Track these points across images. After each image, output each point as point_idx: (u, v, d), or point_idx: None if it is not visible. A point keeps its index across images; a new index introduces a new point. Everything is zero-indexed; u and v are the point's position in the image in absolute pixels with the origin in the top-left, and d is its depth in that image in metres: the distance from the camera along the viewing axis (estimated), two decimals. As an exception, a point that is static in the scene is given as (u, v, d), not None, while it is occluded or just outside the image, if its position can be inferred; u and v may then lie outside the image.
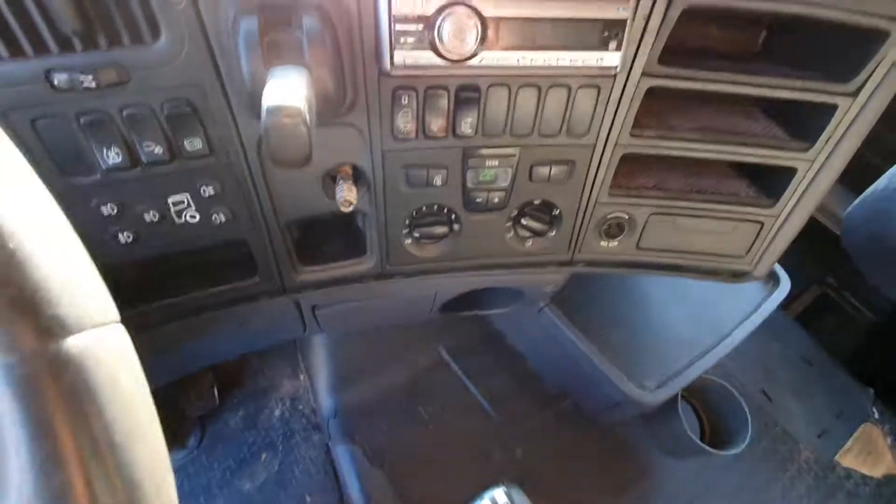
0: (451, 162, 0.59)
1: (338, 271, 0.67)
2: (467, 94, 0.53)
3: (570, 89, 0.54)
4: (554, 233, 0.69)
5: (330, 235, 0.69)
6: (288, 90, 0.34)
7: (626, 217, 0.70)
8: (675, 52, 0.56)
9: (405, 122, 0.54)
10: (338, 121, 0.52)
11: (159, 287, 0.61)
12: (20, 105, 0.43)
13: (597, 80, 0.54)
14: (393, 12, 0.45)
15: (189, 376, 1.12)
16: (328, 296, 0.73)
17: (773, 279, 1.06)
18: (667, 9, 0.50)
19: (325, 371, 1.14)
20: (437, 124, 0.54)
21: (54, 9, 0.39)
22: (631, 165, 0.69)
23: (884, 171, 1.07)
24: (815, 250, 1.57)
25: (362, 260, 0.67)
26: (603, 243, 0.72)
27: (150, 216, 0.53)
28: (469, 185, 0.61)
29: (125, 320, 0.60)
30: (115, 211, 0.51)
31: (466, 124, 0.55)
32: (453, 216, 0.65)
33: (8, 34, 0.39)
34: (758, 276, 0.77)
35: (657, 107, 0.65)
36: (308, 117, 0.34)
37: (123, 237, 0.53)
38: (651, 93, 0.59)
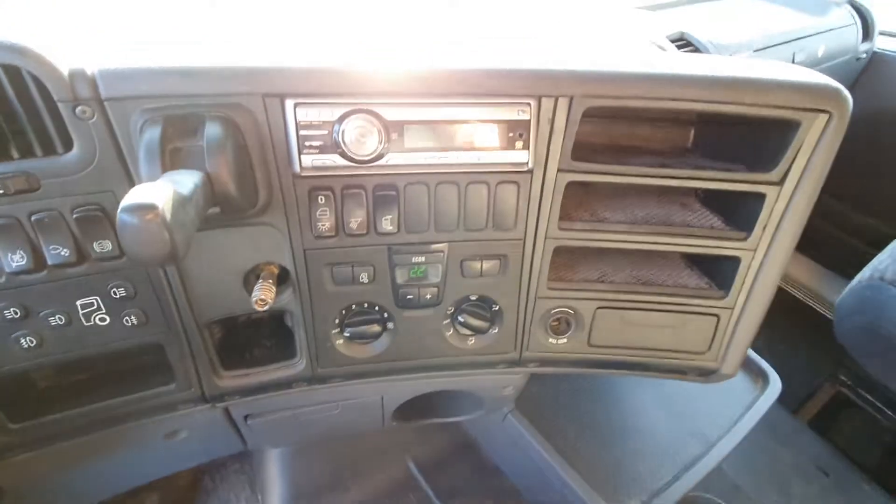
0: (376, 259, 0.58)
1: (265, 376, 0.64)
2: (384, 193, 0.53)
3: (488, 185, 0.55)
4: (496, 330, 0.66)
5: (259, 338, 0.66)
6: (149, 189, 0.35)
7: (572, 312, 0.66)
8: (605, 150, 0.58)
9: (324, 221, 0.54)
10: (254, 221, 0.52)
11: (68, 395, 0.58)
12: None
13: (514, 175, 0.55)
14: (298, 119, 0.48)
15: (129, 498, 1.02)
16: (259, 404, 0.68)
17: (762, 378, 0.98)
18: (569, 110, 0.52)
19: (279, 489, 1.03)
20: (356, 222, 0.55)
21: None
22: (571, 258, 0.68)
23: (870, 259, 1.05)
24: (822, 344, 1.48)
25: (291, 363, 0.64)
26: (552, 340, 0.68)
27: (56, 320, 0.51)
28: (399, 281, 0.60)
29: (28, 431, 0.56)
30: (19, 315, 0.50)
31: (387, 221, 0.55)
32: (386, 314, 0.62)
33: None
34: (727, 373, 0.71)
35: (589, 199, 0.66)
36: (169, 217, 0.34)
37: (26, 342, 0.51)
38: (581, 186, 0.60)
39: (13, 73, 0.41)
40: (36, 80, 0.42)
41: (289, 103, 0.48)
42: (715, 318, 0.67)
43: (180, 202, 0.36)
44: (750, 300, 0.65)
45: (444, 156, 0.52)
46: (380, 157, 0.50)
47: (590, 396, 0.91)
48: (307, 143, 0.49)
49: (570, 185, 0.57)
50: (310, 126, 0.48)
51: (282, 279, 0.58)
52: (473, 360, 0.68)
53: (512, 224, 0.58)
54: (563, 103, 0.52)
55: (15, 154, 0.44)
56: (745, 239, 0.61)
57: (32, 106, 0.43)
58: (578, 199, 0.65)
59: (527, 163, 0.54)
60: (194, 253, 0.54)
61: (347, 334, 0.63)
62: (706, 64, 0.55)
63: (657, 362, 0.70)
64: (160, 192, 0.35)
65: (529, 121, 0.52)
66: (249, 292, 0.57)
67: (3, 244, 0.46)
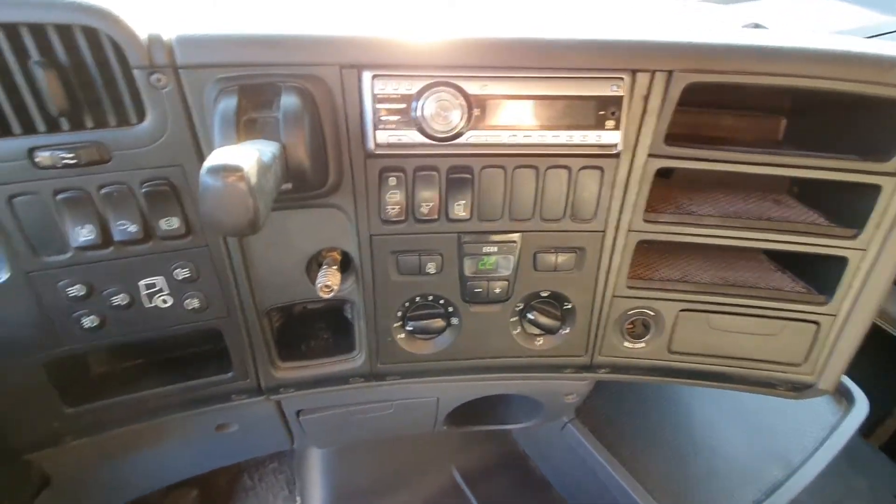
0: (445, 248, 0.54)
1: (322, 369, 0.60)
2: (459, 175, 0.50)
3: (570, 171, 0.51)
4: (567, 330, 0.61)
5: (315, 329, 0.64)
6: (234, 151, 0.32)
7: (652, 314, 0.61)
8: (689, 140, 0.53)
9: (393, 205, 0.51)
10: (321, 202, 0.50)
11: (123, 381, 0.56)
12: (0, 181, 0.42)
13: (599, 160, 0.51)
14: (375, 92, 0.45)
15: (171, 492, 1.01)
16: (313, 399, 0.65)
17: (845, 397, 0.89)
18: (666, 87, 0.47)
19: (321, 491, 1.00)
20: (427, 206, 0.51)
21: (45, 91, 0.40)
22: (652, 254, 0.63)
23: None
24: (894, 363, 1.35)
25: (350, 357, 0.60)
26: (627, 344, 0.63)
27: (119, 299, 0.50)
28: (467, 273, 0.56)
29: (81, 416, 0.54)
30: (83, 293, 0.48)
31: (460, 207, 0.51)
32: (451, 308, 0.58)
33: (2, 118, 0.41)
34: (824, 388, 0.63)
35: (674, 192, 0.60)
36: (254, 181, 0.31)
37: (88, 321, 0.50)
38: (664, 175, 0.55)
39: (91, 36, 0.40)
40: (114, 44, 0.40)
41: (366, 75, 0.45)
42: (814, 327, 0.60)
43: (263, 168, 0.34)
44: (857, 306, 0.58)
45: (528, 135, 0.48)
46: (459, 134, 0.47)
47: (657, 407, 0.85)
48: (384, 118, 0.46)
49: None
50: (387, 99, 0.45)
51: (344, 267, 0.55)
52: (540, 362, 0.63)
53: (592, 214, 0.54)
54: (660, 79, 0.47)
55: (89, 123, 0.43)
56: (854, 237, 0.55)
57: (108, 72, 0.41)
58: (660, 192, 0.59)
59: (616, 144, 0.49)
60: (259, 235, 0.51)
61: (410, 328, 0.59)
62: (816, 39, 0.50)
63: (744, 373, 0.63)
64: (245, 155, 0.32)
65: (622, 97, 0.47)
66: (312, 279, 0.55)
67: (72, 217, 0.45)
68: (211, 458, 0.77)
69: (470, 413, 0.79)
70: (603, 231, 0.55)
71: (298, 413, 0.68)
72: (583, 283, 0.58)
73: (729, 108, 0.64)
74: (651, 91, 0.48)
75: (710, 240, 0.56)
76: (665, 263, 0.63)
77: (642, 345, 0.63)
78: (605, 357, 0.63)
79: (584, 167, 0.51)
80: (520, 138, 0.47)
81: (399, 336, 0.60)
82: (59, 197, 0.44)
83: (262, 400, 0.61)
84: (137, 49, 0.40)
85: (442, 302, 0.58)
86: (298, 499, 1.10)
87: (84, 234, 0.45)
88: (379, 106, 0.45)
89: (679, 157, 0.51)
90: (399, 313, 0.58)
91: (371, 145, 0.47)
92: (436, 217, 0.52)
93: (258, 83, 0.43)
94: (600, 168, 0.51)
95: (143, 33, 0.41)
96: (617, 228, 0.55)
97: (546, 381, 0.68)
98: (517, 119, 0.47)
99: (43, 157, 0.42)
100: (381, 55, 0.44)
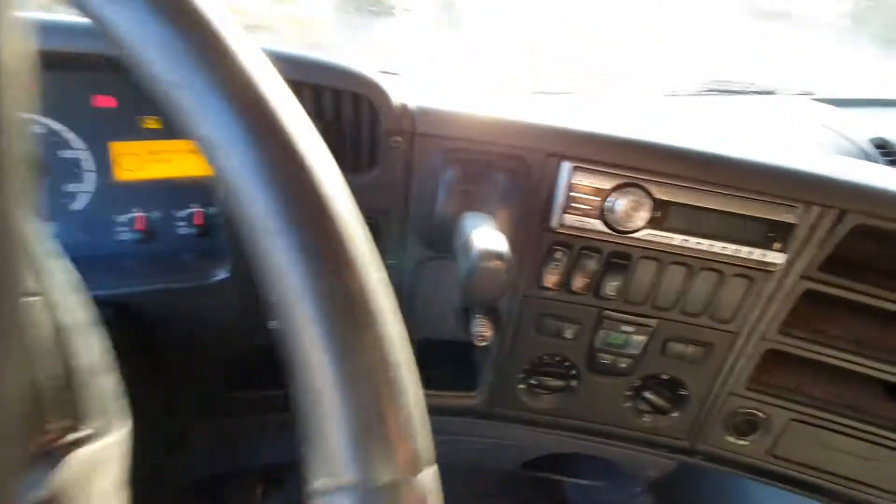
0: (585, 319, 0.59)
1: (443, 400, 0.66)
2: (618, 260, 0.55)
3: (721, 275, 0.55)
4: (677, 413, 0.64)
5: (440, 362, 0.69)
6: (495, 238, 0.38)
7: (762, 416, 0.63)
8: (834, 260, 0.56)
9: (553, 275, 0.56)
10: (491, 261, 0.55)
11: (271, 376, 0.64)
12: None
13: (752, 271, 0.54)
14: (573, 182, 0.50)
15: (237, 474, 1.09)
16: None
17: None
18: (836, 223, 0.51)
19: None
20: (581, 282, 0.56)
21: None
22: (769, 362, 0.65)
23: None
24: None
25: (472, 394, 0.66)
26: (730, 438, 0.65)
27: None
28: (597, 344, 0.60)
29: (237, 401, 0.61)
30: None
31: (611, 287, 0.56)
32: (573, 372, 0.63)
33: None
34: (922, 527, 0.64)
35: (805, 308, 0.63)
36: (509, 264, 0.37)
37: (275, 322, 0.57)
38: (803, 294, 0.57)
39: (356, 99, 0.47)
40: (370, 108, 0.48)
41: (566, 165, 0.50)
42: (926, 464, 0.61)
43: (504, 248, 0.39)
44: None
45: (699, 242, 0.52)
46: (637, 230, 0.51)
47: (732, 497, 0.86)
48: (574, 205, 0.51)
49: None
50: (582, 190, 0.50)
51: (487, 315, 0.61)
52: (641, 436, 0.67)
53: (731, 316, 0.57)
54: (832, 214, 0.51)
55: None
56: None
57: (358, 130, 0.49)
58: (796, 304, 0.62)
59: (778, 265, 0.53)
60: (423, 275, 0.58)
61: (532, 381, 0.64)
62: None
63: (845, 492, 0.65)
64: (502, 241, 0.38)
65: (794, 225, 0.51)
66: (460, 322, 0.60)
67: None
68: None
69: (548, 461, 0.83)
70: (736, 333, 0.58)
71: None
72: (703, 376, 0.61)
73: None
74: (820, 223, 0.51)
75: (841, 363, 0.58)
76: (780, 370, 0.65)
77: (745, 442, 0.65)
78: (705, 446, 0.66)
79: (737, 274, 0.55)
80: (691, 243, 0.52)
81: (520, 386, 0.64)
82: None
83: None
84: (390, 115, 0.48)
85: (567, 364, 0.63)
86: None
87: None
88: (573, 194, 0.51)
89: (833, 284, 0.54)
90: (526, 367, 0.63)
91: (554, 224, 0.52)
92: (586, 292, 0.57)
93: (475, 158, 0.49)
94: (751, 278, 0.55)
95: (396, 102, 0.48)
96: (750, 334, 0.58)
97: (640, 454, 0.71)
98: (692, 225, 0.51)
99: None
100: (582, 150, 0.50)
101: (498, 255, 0.36)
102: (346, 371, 0.16)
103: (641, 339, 0.60)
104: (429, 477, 0.17)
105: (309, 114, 0.46)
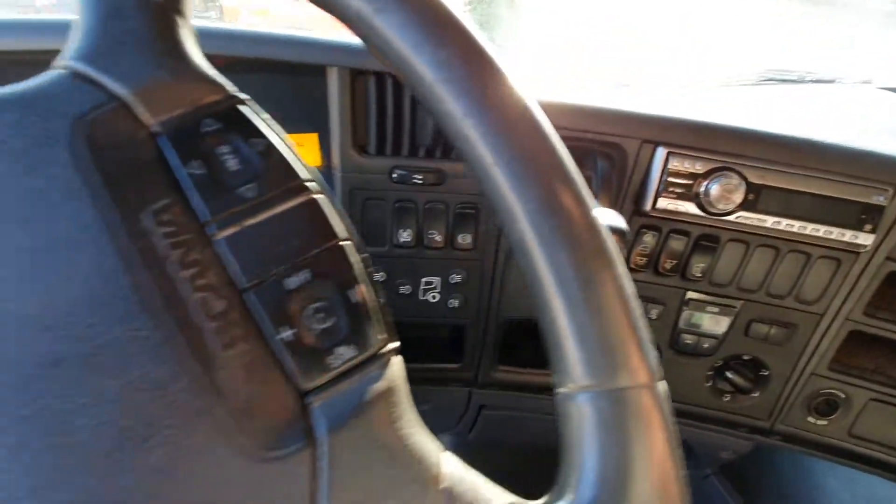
0: (669, 299, 0.62)
1: (529, 378, 0.70)
2: (706, 243, 0.57)
3: (808, 257, 0.57)
4: (757, 394, 0.66)
5: (525, 340, 0.73)
6: (614, 215, 0.42)
7: (842, 396, 0.65)
8: None
9: (641, 256, 0.59)
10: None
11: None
12: (363, 187, 0.55)
13: (839, 253, 0.56)
14: (668, 166, 0.53)
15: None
16: (503, 399, 0.74)
17: None
18: None
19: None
20: (668, 264, 0.59)
21: (426, 128, 0.52)
22: (850, 342, 0.66)
23: None
24: None
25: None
26: (811, 419, 0.67)
27: (405, 289, 0.61)
28: (681, 325, 0.63)
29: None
30: (382, 279, 0.61)
31: (698, 269, 0.59)
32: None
33: (382, 140, 0.53)
34: None
35: (889, 289, 0.64)
36: None
37: (378, 301, 0.62)
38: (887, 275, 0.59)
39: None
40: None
41: (661, 150, 0.53)
42: None
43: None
44: None
45: (791, 224, 0.54)
46: (731, 213, 0.54)
47: (805, 490, 0.87)
48: (669, 189, 0.54)
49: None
50: (677, 174, 0.53)
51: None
52: (721, 416, 0.69)
53: (817, 298, 0.59)
54: None
55: (437, 154, 0.55)
56: None
57: None
58: (882, 287, 0.63)
59: (867, 246, 0.54)
60: (518, 258, 0.62)
61: (615, 360, 0.67)
62: None
63: (925, 474, 0.66)
64: (621, 218, 0.41)
65: (884, 207, 0.53)
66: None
67: (399, 222, 0.57)
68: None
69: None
70: (821, 314, 0.60)
71: (481, 407, 0.78)
72: (786, 356, 0.63)
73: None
74: None
75: (929, 344, 0.59)
76: (861, 351, 0.66)
77: (825, 422, 0.67)
78: (784, 426, 0.68)
79: (824, 256, 0.56)
80: (783, 226, 0.54)
81: (602, 365, 0.68)
82: (397, 205, 0.56)
83: (468, 390, 0.72)
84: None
85: (649, 344, 0.65)
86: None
87: (404, 235, 0.58)
88: (668, 178, 0.54)
89: None
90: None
91: (647, 207, 0.55)
92: (673, 273, 0.59)
93: (574, 146, 0.53)
94: (838, 259, 0.57)
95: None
96: (835, 315, 0.60)
97: (715, 434, 0.73)
98: (785, 208, 0.54)
99: (399, 174, 0.55)
100: (678, 136, 0.53)
101: (619, 231, 0.40)
102: (600, 301, 0.20)
103: (725, 320, 0.62)
104: (664, 387, 0.21)
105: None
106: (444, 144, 0.54)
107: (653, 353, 0.21)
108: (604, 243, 0.21)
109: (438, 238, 0.58)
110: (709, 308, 0.61)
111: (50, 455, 0.16)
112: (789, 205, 0.53)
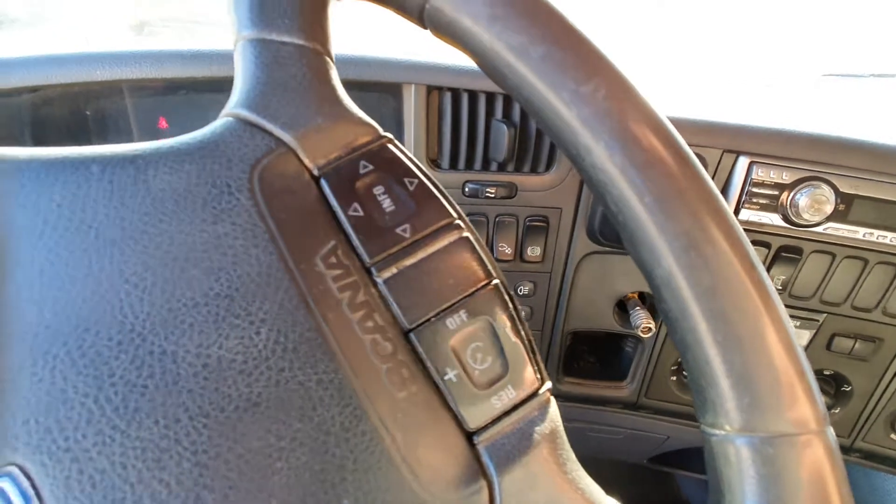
0: (745, 312, 0.60)
1: (594, 390, 0.69)
2: (788, 255, 0.55)
3: (899, 269, 0.54)
4: (837, 410, 0.63)
5: (585, 353, 0.72)
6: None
7: (931, 415, 0.61)
8: None
9: (717, 268, 0.57)
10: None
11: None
12: (435, 201, 0.55)
13: (935, 264, 0.53)
14: (751, 176, 0.52)
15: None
16: (567, 411, 0.74)
17: None
18: None
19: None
20: (747, 275, 0.57)
21: (500, 143, 0.52)
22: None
23: None
24: None
25: (621, 385, 0.68)
26: (894, 437, 0.64)
27: (472, 301, 0.61)
28: (756, 338, 0.61)
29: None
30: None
31: (778, 281, 0.56)
32: (727, 365, 0.64)
33: (455, 155, 0.53)
34: None
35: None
36: None
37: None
38: None
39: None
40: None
41: (743, 160, 0.52)
42: None
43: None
44: None
45: (884, 235, 0.51)
46: (819, 224, 0.52)
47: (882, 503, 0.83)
48: (753, 200, 0.52)
49: None
50: (761, 184, 0.52)
51: (647, 306, 0.63)
52: (795, 432, 0.67)
53: (907, 311, 0.56)
54: None
55: (510, 168, 0.54)
56: None
57: (539, 134, 0.52)
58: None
59: (968, 257, 0.51)
60: (587, 270, 0.61)
61: (685, 374, 0.65)
62: None
63: None
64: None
65: None
66: (613, 314, 0.63)
67: (470, 235, 0.57)
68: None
69: (673, 454, 0.84)
70: (912, 328, 0.57)
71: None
72: (870, 372, 0.60)
73: None
74: None
75: None
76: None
77: (911, 442, 0.63)
78: (865, 444, 0.65)
79: (917, 268, 0.54)
80: (875, 237, 0.52)
81: (672, 378, 0.66)
82: (469, 218, 0.56)
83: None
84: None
85: (721, 357, 0.63)
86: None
87: (474, 248, 0.57)
88: (751, 189, 0.52)
89: None
90: (679, 358, 0.65)
91: (727, 219, 0.54)
92: (751, 285, 0.57)
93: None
94: (932, 272, 0.54)
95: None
96: (928, 330, 0.57)
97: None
98: (878, 218, 0.51)
99: (472, 188, 0.55)
100: (762, 146, 0.51)
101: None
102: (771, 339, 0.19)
103: (806, 333, 0.60)
104: (832, 433, 0.20)
105: (502, 120, 0.51)
106: (518, 158, 0.54)
107: (820, 396, 0.20)
108: (761, 276, 0.20)
109: (508, 250, 0.58)
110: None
111: (255, 499, 0.16)
112: (884, 215, 0.51)
